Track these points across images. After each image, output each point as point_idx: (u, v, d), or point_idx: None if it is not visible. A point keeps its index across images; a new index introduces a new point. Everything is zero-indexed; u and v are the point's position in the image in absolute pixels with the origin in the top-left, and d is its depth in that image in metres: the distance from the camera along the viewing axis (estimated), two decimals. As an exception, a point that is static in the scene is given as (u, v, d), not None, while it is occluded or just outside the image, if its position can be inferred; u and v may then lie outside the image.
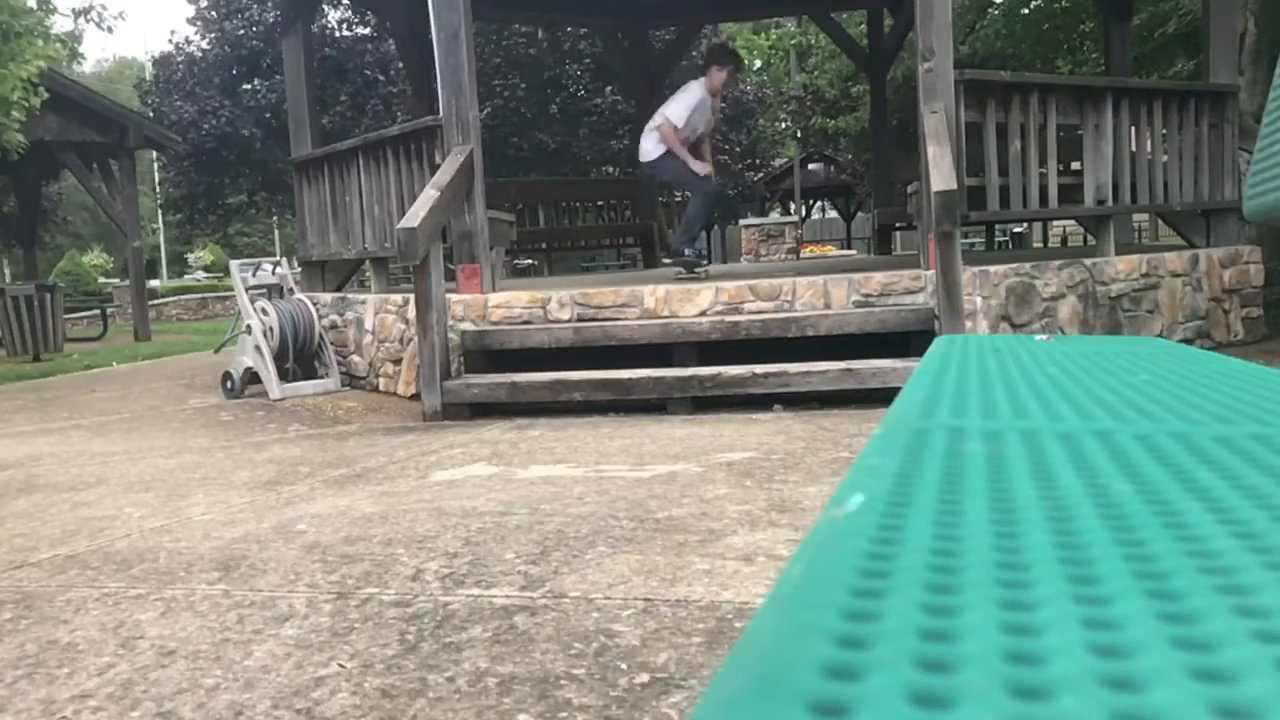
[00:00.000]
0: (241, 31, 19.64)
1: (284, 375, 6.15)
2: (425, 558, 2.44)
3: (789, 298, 5.06)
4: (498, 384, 4.94)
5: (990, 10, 16.05)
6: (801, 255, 17.00)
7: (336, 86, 18.78)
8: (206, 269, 30.62)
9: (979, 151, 5.34)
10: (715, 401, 4.69)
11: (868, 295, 4.97)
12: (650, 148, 6.76)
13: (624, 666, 1.71)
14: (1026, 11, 15.55)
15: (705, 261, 7.64)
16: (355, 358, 6.41)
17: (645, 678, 1.66)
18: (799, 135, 23.44)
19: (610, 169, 19.29)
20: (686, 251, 6.76)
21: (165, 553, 2.66)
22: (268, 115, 19.36)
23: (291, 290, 6.56)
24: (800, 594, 0.34)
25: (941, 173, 4.51)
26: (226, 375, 6.29)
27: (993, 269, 5.00)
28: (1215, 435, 0.63)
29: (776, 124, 25.66)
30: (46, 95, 10.05)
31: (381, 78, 19.41)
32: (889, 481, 0.51)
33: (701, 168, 6.63)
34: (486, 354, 5.27)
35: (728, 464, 3.39)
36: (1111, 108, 5.60)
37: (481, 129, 5.72)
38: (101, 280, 21.18)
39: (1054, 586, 0.34)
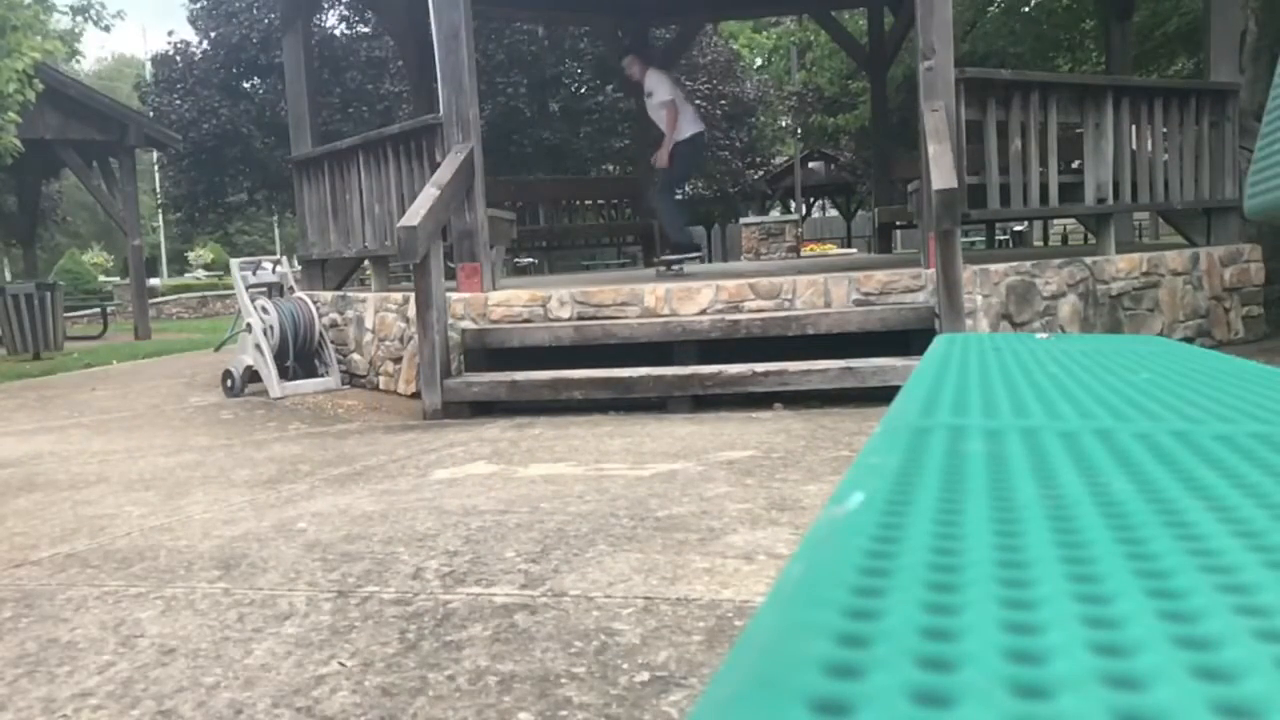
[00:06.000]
0: (245, 31, 19.63)
1: (284, 373, 6.15)
2: (425, 556, 2.44)
3: (789, 296, 5.06)
4: (498, 382, 4.94)
5: (990, 9, 16.04)
6: (802, 254, 16.98)
7: (330, 85, 18.78)
8: (207, 267, 30.58)
9: (979, 150, 5.33)
10: (715, 400, 4.69)
11: (868, 294, 4.97)
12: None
13: (624, 665, 1.71)
14: (1027, 10, 15.54)
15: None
16: (355, 356, 6.41)
17: (645, 676, 1.66)
18: (799, 133, 23.42)
19: (610, 167, 19.28)
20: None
21: (165, 551, 2.66)
22: (267, 114, 19.36)
23: (292, 289, 6.56)
24: (801, 592, 0.34)
25: (942, 171, 4.50)
26: (227, 374, 6.29)
27: (993, 267, 4.99)
28: (1216, 434, 0.63)
29: (777, 122, 25.65)
30: (41, 88, 9.99)
31: (370, 86, 19.39)
32: (889, 480, 0.50)
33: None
34: (487, 352, 5.27)
35: (728, 462, 3.39)
36: (1112, 106, 5.59)
37: (484, 126, 5.73)
38: (102, 279, 21.15)
39: (1055, 585, 0.34)
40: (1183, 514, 0.43)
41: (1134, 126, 5.77)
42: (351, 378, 6.42)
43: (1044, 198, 5.46)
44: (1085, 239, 15.61)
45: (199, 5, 20.77)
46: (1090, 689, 0.26)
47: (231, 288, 9.04)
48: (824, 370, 4.56)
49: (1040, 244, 20.96)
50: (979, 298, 4.86)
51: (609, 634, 1.86)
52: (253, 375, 6.17)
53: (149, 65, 24.41)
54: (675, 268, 6.91)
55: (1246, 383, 0.89)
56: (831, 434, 3.86)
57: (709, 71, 19.83)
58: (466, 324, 5.31)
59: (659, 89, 6.98)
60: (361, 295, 6.46)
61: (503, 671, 1.71)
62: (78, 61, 12.77)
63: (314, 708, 1.62)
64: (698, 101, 18.82)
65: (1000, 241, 18.84)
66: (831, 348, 4.71)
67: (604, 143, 18.85)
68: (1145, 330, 5.51)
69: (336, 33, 20.56)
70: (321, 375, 6.35)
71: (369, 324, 6.19)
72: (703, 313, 5.11)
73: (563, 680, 1.66)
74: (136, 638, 2.00)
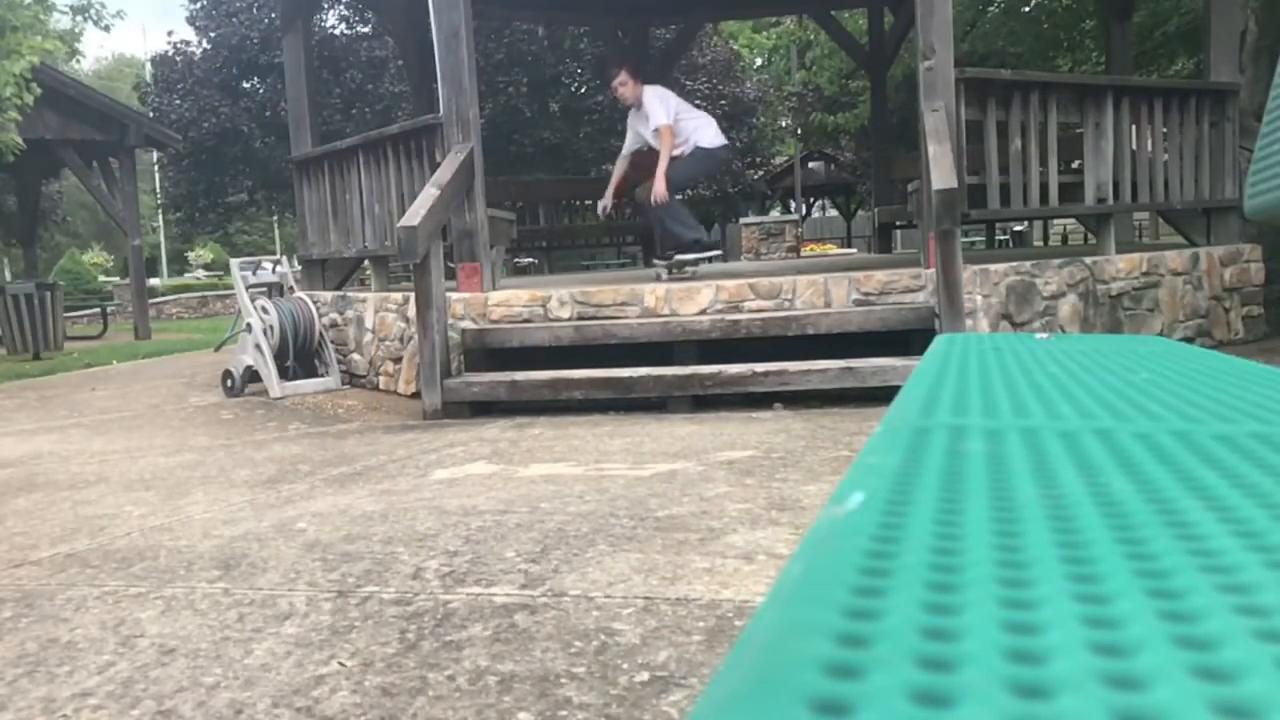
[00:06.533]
0: (245, 31, 19.63)
1: (284, 373, 6.15)
2: (425, 556, 2.44)
3: (789, 296, 5.06)
4: (498, 382, 4.94)
5: (990, 9, 16.04)
6: (802, 253, 16.96)
7: (330, 85, 18.80)
8: (207, 267, 30.57)
9: (979, 150, 5.33)
10: (715, 400, 4.69)
11: (868, 294, 4.97)
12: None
13: (624, 665, 1.71)
14: (1027, 10, 15.56)
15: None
16: (355, 356, 6.41)
17: (645, 676, 1.66)
18: (799, 133, 23.42)
19: (610, 167, 19.30)
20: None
21: (165, 551, 2.66)
22: (267, 114, 19.37)
23: (292, 288, 6.56)
24: (801, 592, 0.34)
25: (942, 171, 4.50)
26: (227, 373, 6.28)
27: (993, 267, 4.99)
28: (1216, 434, 0.63)
29: (777, 122, 25.64)
30: (39, 91, 9.95)
31: (370, 86, 19.39)
32: (889, 480, 0.50)
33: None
34: (487, 352, 5.27)
35: (728, 462, 3.39)
36: (1112, 106, 5.59)
37: (484, 126, 5.72)
38: (101, 279, 21.15)
39: (1055, 585, 0.34)
40: (1183, 514, 0.43)
41: (1134, 126, 5.77)
42: (351, 378, 6.41)
43: (1044, 198, 5.46)
44: (1085, 239, 15.60)
45: (199, 5, 20.77)
46: (1090, 689, 0.26)
47: (231, 288, 9.04)
48: (824, 370, 4.56)
49: (1040, 244, 20.95)
50: (979, 298, 4.86)
51: (609, 634, 1.86)
52: (253, 375, 6.17)
53: (149, 65, 24.42)
54: (690, 269, 6.40)
55: (1246, 383, 0.89)
56: (831, 434, 3.86)
57: (709, 71, 19.82)
58: (466, 324, 5.31)
59: (655, 113, 6.24)
60: (361, 295, 6.46)
61: (503, 671, 1.71)
62: (78, 61, 12.78)
63: (314, 708, 1.62)
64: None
65: (1000, 241, 18.83)
66: (831, 348, 4.71)
67: (604, 143, 18.85)
68: (1145, 330, 5.50)
69: (336, 33, 20.57)
70: (321, 375, 6.35)
71: (369, 324, 6.19)
72: (703, 313, 5.11)
73: (563, 680, 1.66)
74: (136, 638, 2.00)
